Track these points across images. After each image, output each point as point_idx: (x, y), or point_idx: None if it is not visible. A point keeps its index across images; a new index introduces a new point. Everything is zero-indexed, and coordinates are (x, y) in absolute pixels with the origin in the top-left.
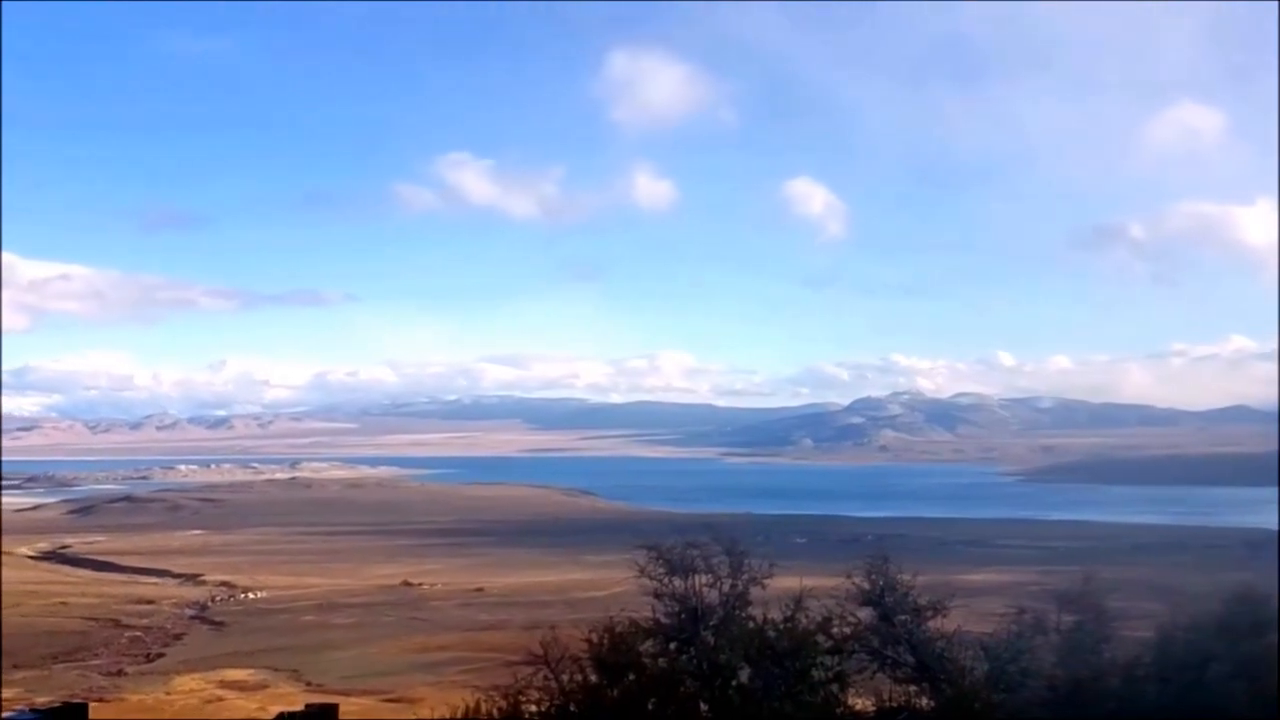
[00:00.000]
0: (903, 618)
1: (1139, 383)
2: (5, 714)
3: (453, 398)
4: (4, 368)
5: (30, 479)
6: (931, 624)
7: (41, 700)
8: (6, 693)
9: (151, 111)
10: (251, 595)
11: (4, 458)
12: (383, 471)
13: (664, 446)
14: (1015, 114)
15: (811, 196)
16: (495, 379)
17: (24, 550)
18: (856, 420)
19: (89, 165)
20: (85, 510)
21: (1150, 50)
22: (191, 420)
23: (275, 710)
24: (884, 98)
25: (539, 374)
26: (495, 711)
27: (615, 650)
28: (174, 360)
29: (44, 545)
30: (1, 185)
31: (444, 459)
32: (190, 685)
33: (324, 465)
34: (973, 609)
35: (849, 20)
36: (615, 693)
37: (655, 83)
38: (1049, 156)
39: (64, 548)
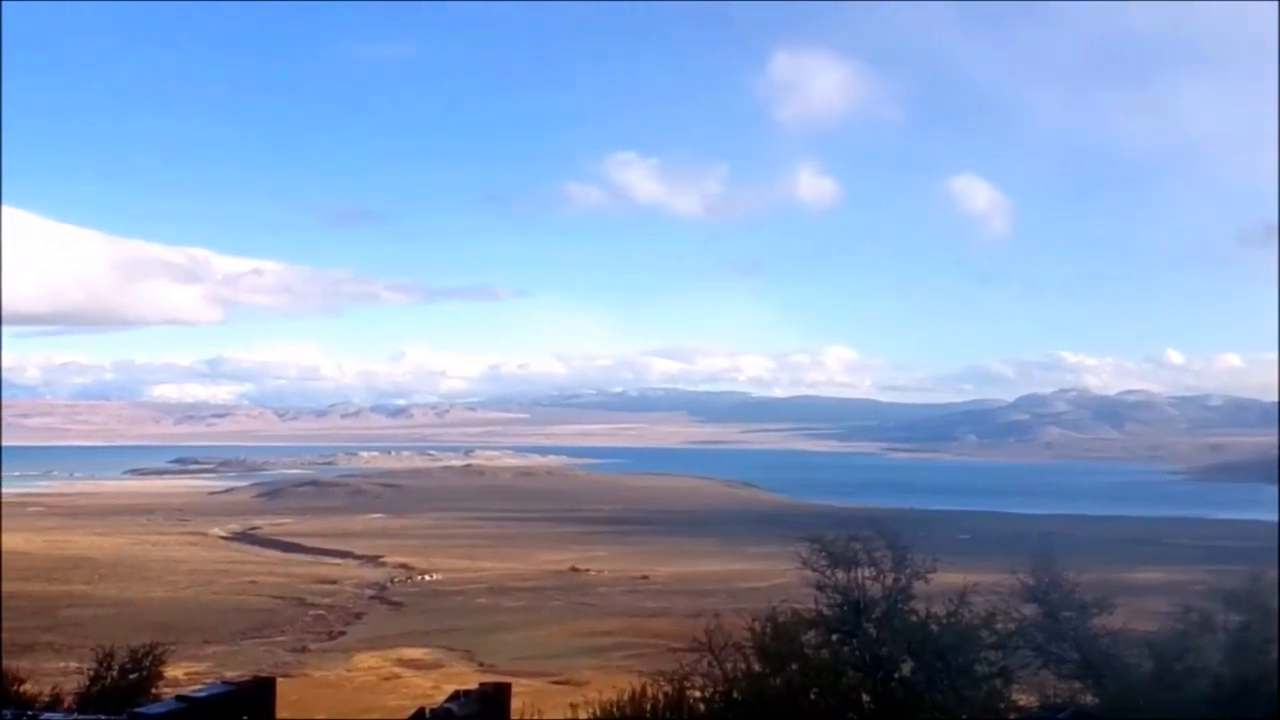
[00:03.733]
0: (1067, 614)
1: None
2: (197, 687)
3: (619, 390)
4: (202, 358)
5: (223, 463)
6: (1096, 621)
7: (231, 674)
8: (199, 666)
9: (338, 114)
10: (428, 577)
11: (199, 444)
12: (552, 460)
13: (826, 441)
14: (1183, 111)
15: (975, 193)
16: (660, 372)
17: (217, 531)
18: (1021, 417)
19: (280, 166)
20: (274, 494)
21: None
22: (373, 409)
23: (449, 689)
24: (1049, 95)
25: (703, 367)
26: (660, 696)
27: (778, 639)
28: (357, 351)
29: (235, 526)
30: None
31: (611, 449)
32: (369, 663)
33: (496, 454)
34: (1138, 607)
35: (1014, 19)
36: (778, 681)
37: (818, 82)
38: (1218, 154)
39: (254, 529)
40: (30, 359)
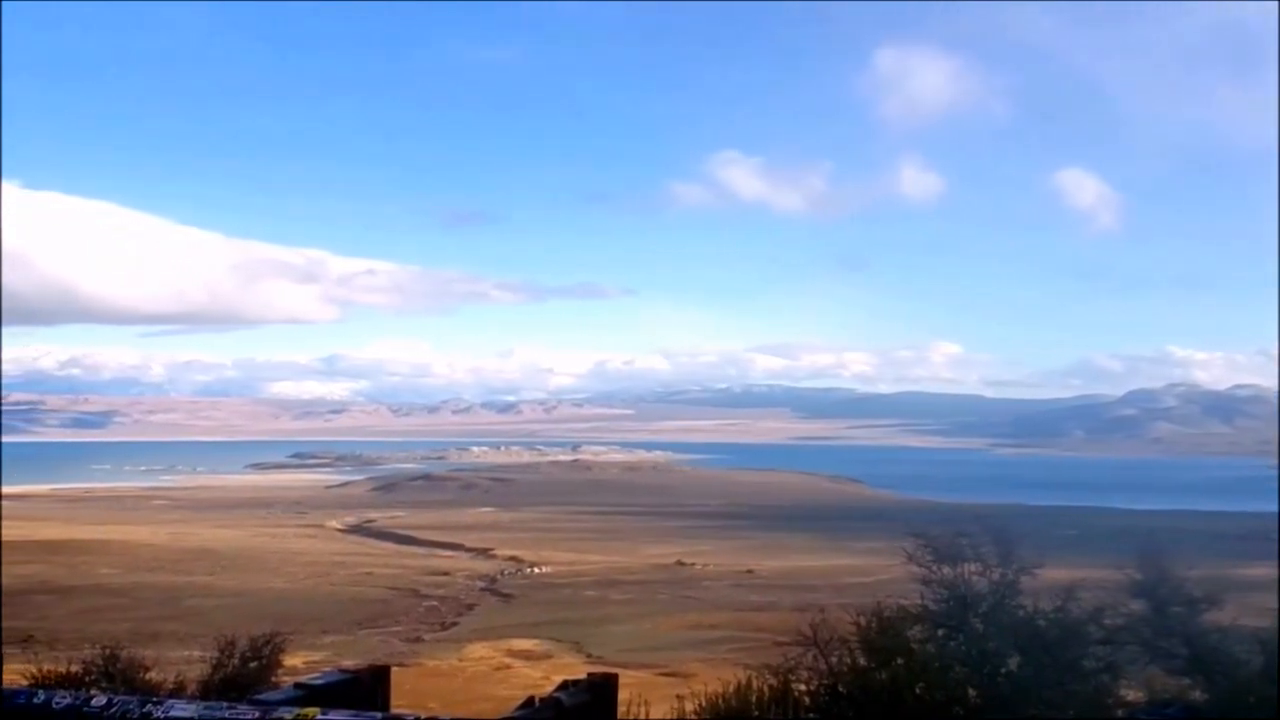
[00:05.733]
0: (1176, 610)
1: None
2: (315, 675)
3: (723, 386)
4: (318, 356)
5: (339, 458)
6: (1205, 617)
7: (348, 662)
8: (316, 655)
9: (447, 116)
10: (537, 570)
11: (316, 439)
12: (657, 456)
13: (932, 436)
14: None
15: (1083, 187)
16: (764, 368)
17: (334, 524)
18: (1130, 412)
19: (392, 168)
20: (388, 487)
21: None
22: (483, 405)
23: (559, 679)
24: (1157, 87)
25: (807, 364)
26: (766, 689)
27: (884, 634)
28: (468, 349)
29: (351, 520)
30: None
31: (715, 445)
32: (481, 653)
33: (603, 449)
34: (1247, 603)
35: (1120, 11)
36: (884, 676)
37: (922, 78)
38: None
39: (369, 522)
40: (155, 357)
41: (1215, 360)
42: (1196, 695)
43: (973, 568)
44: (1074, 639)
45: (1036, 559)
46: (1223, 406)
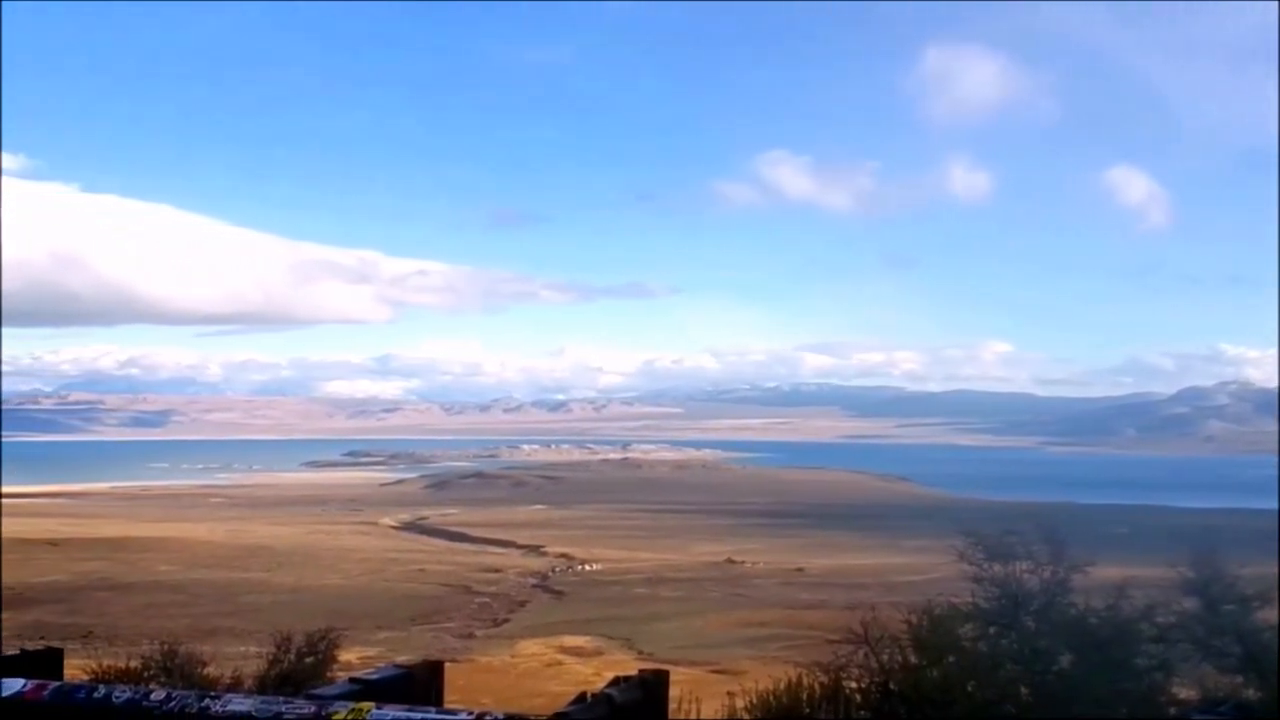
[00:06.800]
0: (1229, 608)
1: None
2: (370, 670)
3: (772, 385)
4: (371, 355)
5: (393, 456)
6: (1259, 614)
7: (402, 658)
8: (371, 651)
9: (497, 118)
10: (587, 567)
11: (370, 437)
12: (707, 454)
13: (982, 435)
14: None
15: (1132, 185)
16: (813, 367)
17: (387, 521)
18: (1182, 410)
19: (443, 171)
20: (441, 485)
21: None
22: (534, 404)
23: (610, 675)
24: (1206, 83)
25: (856, 362)
26: (817, 686)
27: (935, 632)
28: (518, 348)
29: (405, 516)
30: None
31: (764, 443)
32: (532, 649)
33: (652, 447)
34: None
35: (1168, 8)
36: (935, 673)
37: (971, 76)
38: None
39: (422, 519)
40: (212, 357)
41: (1268, 358)
42: (1250, 694)
43: (1024, 566)
44: (1126, 637)
45: (1088, 557)
46: (1275, 404)
